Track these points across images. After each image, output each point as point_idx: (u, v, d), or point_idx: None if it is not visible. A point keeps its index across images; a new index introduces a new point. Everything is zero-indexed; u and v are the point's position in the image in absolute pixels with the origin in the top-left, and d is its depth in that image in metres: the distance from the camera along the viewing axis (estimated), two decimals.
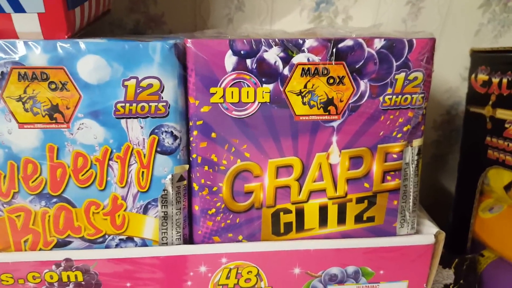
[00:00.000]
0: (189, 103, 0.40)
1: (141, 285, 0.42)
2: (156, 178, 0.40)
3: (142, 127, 0.39)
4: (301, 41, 0.39)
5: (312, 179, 0.42)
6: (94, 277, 0.41)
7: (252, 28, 0.59)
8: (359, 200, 0.43)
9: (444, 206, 0.64)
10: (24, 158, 0.38)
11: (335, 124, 0.41)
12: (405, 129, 0.42)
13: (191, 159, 0.41)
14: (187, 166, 0.41)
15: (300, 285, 0.44)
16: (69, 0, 0.36)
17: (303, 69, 0.39)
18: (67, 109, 0.38)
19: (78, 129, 0.38)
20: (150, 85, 0.38)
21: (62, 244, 0.41)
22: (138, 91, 0.38)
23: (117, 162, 0.39)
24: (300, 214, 0.43)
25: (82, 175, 0.39)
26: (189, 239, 0.43)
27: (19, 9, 0.36)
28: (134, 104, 0.38)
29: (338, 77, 0.40)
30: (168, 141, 0.39)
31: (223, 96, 0.39)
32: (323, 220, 0.43)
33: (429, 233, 0.44)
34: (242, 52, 0.38)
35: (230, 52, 0.38)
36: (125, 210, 0.40)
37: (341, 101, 0.40)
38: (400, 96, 0.41)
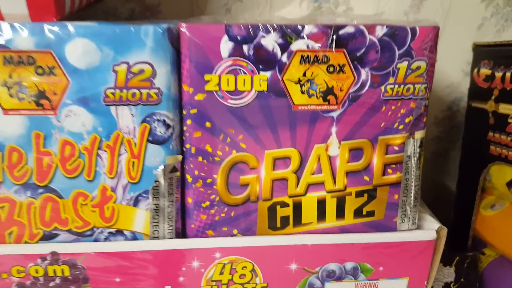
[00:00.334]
0: (182, 91, 0.38)
1: (131, 280, 0.41)
2: (147, 168, 0.39)
3: (133, 115, 0.38)
4: (300, 27, 0.38)
5: (310, 172, 0.41)
6: (81, 271, 0.40)
7: (251, 18, 0.58)
8: (359, 194, 0.42)
9: (445, 203, 0.63)
10: (9, 146, 0.37)
11: (334, 114, 0.40)
12: (407, 120, 0.41)
13: (184, 149, 0.40)
14: (180, 157, 0.40)
15: (297, 282, 0.43)
16: None
17: (302, 56, 0.38)
18: (55, 95, 0.36)
19: (65, 116, 0.37)
20: (141, 71, 0.36)
21: (48, 237, 0.40)
22: (129, 76, 0.37)
23: (106, 151, 0.38)
24: (297, 207, 0.42)
25: (70, 165, 0.38)
26: (181, 233, 0.42)
27: None
28: (125, 91, 0.37)
29: (339, 65, 0.39)
30: (160, 130, 0.38)
31: (219, 83, 0.38)
32: (321, 214, 0.42)
33: (431, 229, 0.43)
34: (238, 37, 0.37)
35: (226, 37, 0.37)
36: (114, 202, 0.39)
37: (341, 90, 0.39)
38: (402, 86, 0.40)
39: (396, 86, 0.40)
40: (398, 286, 0.44)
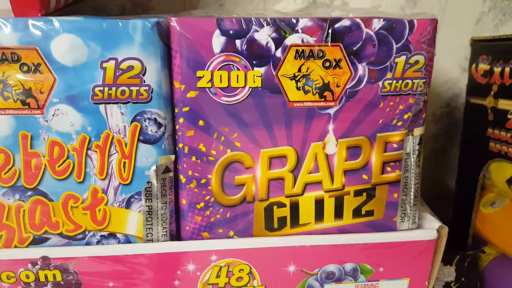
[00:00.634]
0: (174, 88, 0.37)
1: (125, 285, 0.40)
2: (139, 169, 0.38)
3: (122, 114, 0.36)
4: (294, 21, 0.37)
5: (307, 171, 0.40)
6: (74, 276, 0.39)
7: (244, 13, 0.57)
8: (357, 193, 0.41)
9: (444, 201, 0.63)
10: None
11: (331, 111, 0.39)
12: (405, 116, 0.40)
13: (177, 149, 0.39)
14: (173, 157, 0.39)
15: (295, 284, 0.42)
16: None
17: (297, 51, 0.37)
18: (41, 93, 0.35)
19: (53, 115, 0.36)
20: (130, 67, 0.35)
21: (38, 241, 0.39)
22: (117, 73, 0.35)
23: (96, 151, 0.37)
24: (294, 208, 0.41)
25: (59, 166, 0.37)
26: (176, 235, 0.41)
27: None
28: (114, 88, 0.36)
29: (335, 60, 0.38)
30: (151, 129, 0.37)
31: (211, 80, 0.37)
32: (319, 214, 0.41)
33: (431, 228, 0.42)
34: (231, 32, 0.36)
35: (218, 32, 0.36)
36: (106, 204, 0.38)
37: (338, 86, 0.38)
38: (400, 81, 0.39)
39: (394, 81, 0.39)
40: (399, 287, 0.43)
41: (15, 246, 0.38)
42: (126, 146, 0.37)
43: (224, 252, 0.40)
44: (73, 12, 0.43)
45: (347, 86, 0.38)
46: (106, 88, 0.35)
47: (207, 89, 0.37)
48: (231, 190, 0.40)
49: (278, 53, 0.37)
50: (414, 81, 0.39)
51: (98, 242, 0.39)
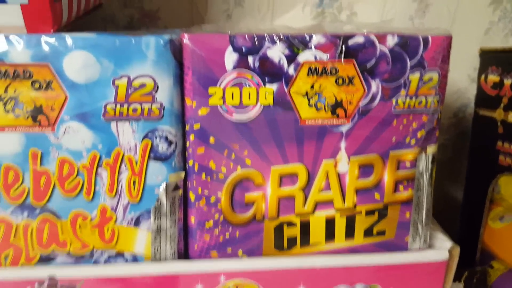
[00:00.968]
0: (185, 105, 0.37)
1: None
2: (148, 187, 0.37)
3: (134, 131, 0.36)
4: (307, 37, 0.36)
5: (319, 189, 0.39)
6: None
7: (253, 24, 0.57)
8: (369, 213, 0.40)
9: (450, 215, 0.62)
10: (5, 165, 0.36)
11: (344, 128, 0.38)
12: (419, 134, 0.39)
13: (187, 166, 0.38)
14: (182, 174, 0.38)
15: None
16: None
17: (309, 68, 0.37)
18: (52, 110, 0.35)
19: (64, 133, 0.35)
20: (143, 85, 0.35)
21: (45, 260, 0.38)
22: (129, 91, 0.35)
23: (106, 169, 0.36)
24: (305, 227, 0.40)
25: (68, 184, 0.36)
26: (184, 254, 0.40)
27: None
28: (126, 106, 0.35)
29: (348, 77, 0.37)
30: (162, 147, 0.37)
31: (223, 97, 0.36)
32: (330, 234, 0.40)
33: (443, 248, 0.42)
34: (243, 48, 0.36)
35: (230, 48, 0.35)
36: (115, 223, 0.38)
37: (350, 103, 0.38)
38: (414, 98, 0.38)
39: (408, 98, 0.38)
40: None
41: (22, 265, 0.38)
42: (136, 164, 0.36)
43: (233, 273, 0.39)
44: (83, 24, 0.42)
45: (360, 104, 0.38)
46: (118, 106, 0.35)
47: (218, 106, 0.36)
48: (240, 209, 0.39)
49: (291, 70, 0.36)
50: (428, 98, 0.39)
51: (106, 261, 0.38)
